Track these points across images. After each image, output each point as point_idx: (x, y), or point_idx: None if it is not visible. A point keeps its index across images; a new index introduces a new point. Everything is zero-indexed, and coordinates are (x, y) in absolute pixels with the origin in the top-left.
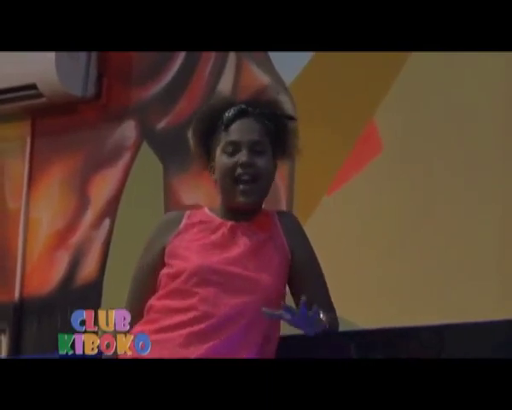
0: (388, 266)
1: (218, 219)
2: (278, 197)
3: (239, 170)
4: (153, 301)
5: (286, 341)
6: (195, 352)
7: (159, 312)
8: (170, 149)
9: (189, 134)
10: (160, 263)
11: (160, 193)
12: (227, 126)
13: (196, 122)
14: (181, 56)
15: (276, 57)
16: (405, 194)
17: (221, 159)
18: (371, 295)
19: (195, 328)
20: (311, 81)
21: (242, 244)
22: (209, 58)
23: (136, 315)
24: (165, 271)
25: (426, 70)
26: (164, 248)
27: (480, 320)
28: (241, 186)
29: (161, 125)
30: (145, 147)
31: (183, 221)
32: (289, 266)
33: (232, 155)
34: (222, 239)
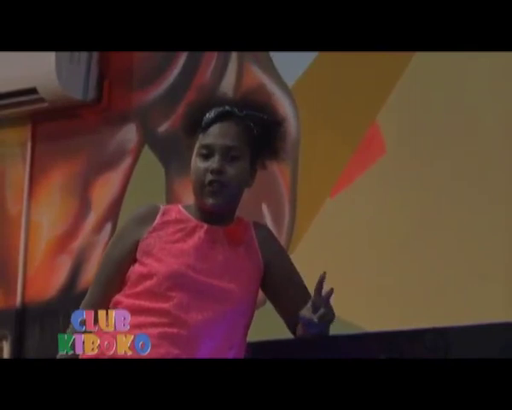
0: (392, 268)
1: (193, 220)
2: (281, 200)
3: (209, 176)
4: (120, 298)
5: (286, 340)
6: (167, 355)
7: (127, 309)
8: (171, 152)
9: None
10: (130, 258)
11: (161, 196)
12: (205, 128)
13: (183, 117)
14: (182, 59)
15: (279, 59)
16: (409, 195)
17: (194, 161)
18: (375, 298)
19: (167, 330)
20: (314, 83)
21: (218, 252)
22: (210, 60)
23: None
24: (137, 268)
25: (429, 71)
26: (136, 243)
27: (485, 322)
28: (209, 188)
29: (163, 128)
30: (146, 150)
31: (158, 217)
32: (264, 278)
33: (205, 158)
34: (198, 244)
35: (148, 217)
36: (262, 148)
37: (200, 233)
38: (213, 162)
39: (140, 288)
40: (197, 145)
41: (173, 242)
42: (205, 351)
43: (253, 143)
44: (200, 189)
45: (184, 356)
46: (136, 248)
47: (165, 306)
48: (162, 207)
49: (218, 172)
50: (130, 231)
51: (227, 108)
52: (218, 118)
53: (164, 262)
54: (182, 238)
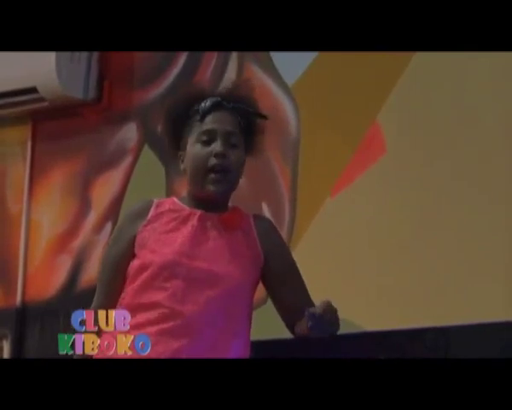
0: (392, 268)
1: (186, 209)
2: (281, 199)
3: (212, 160)
4: (122, 295)
5: (286, 340)
6: (165, 352)
7: (127, 309)
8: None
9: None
10: (129, 254)
11: (162, 195)
12: (203, 117)
13: (169, 110)
14: (182, 59)
15: (279, 59)
16: (409, 195)
17: (194, 148)
18: (376, 297)
19: (163, 326)
20: (314, 82)
21: (212, 238)
22: (210, 60)
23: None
24: (135, 263)
25: (429, 71)
26: (132, 239)
27: (485, 322)
28: (212, 175)
29: None
30: (147, 149)
31: (152, 210)
32: (264, 270)
33: (207, 144)
34: (191, 231)
35: (141, 212)
36: (247, 141)
37: (194, 221)
38: (217, 146)
39: (138, 282)
40: (196, 132)
41: (167, 232)
42: (207, 340)
43: (243, 136)
44: (202, 175)
45: (185, 348)
46: (134, 244)
47: (158, 298)
48: (156, 201)
49: (222, 155)
50: (125, 229)
51: (219, 98)
52: (214, 107)
53: (158, 253)
54: (175, 227)
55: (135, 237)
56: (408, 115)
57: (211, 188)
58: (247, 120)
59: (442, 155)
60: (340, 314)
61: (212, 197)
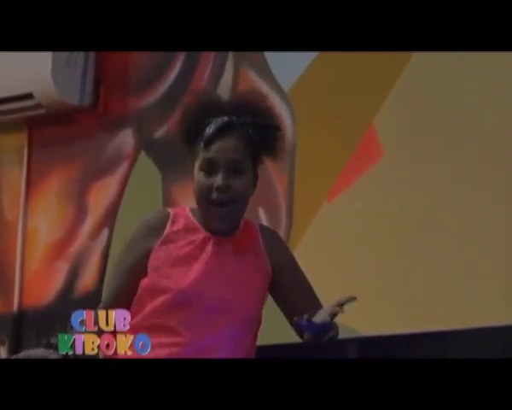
0: (391, 272)
1: (202, 231)
2: (278, 204)
3: (214, 194)
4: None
5: (282, 344)
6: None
7: (138, 329)
8: (168, 158)
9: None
10: (142, 266)
11: (158, 201)
12: (207, 143)
13: (180, 126)
14: (178, 65)
15: (275, 63)
16: (407, 199)
17: (198, 176)
18: (374, 302)
19: (174, 350)
20: (310, 87)
21: (226, 265)
22: (207, 66)
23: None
24: (145, 282)
25: (427, 72)
26: (147, 253)
27: (485, 326)
28: (216, 209)
29: (159, 133)
30: (143, 155)
31: (168, 226)
32: (272, 283)
33: (209, 174)
34: (207, 259)
35: (158, 226)
36: (262, 151)
37: (209, 247)
38: (218, 179)
39: (150, 305)
40: (200, 158)
41: (182, 257)
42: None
43: (254, 150)
44: (206, 207)
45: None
46: (147, 259)
47: (173, 324)
48: (171, 214)
49: (223, 188)
50: (140, 240)
51: (225, 119)
52: (219, 131)
53: (173, 279)
54: (191, 253)
55: (149, 251)
56: (406, 116)
57: (214, 225)
58: (260, 132)
59: (442, 156)
60: (337, 319)
61: (218, 233)
